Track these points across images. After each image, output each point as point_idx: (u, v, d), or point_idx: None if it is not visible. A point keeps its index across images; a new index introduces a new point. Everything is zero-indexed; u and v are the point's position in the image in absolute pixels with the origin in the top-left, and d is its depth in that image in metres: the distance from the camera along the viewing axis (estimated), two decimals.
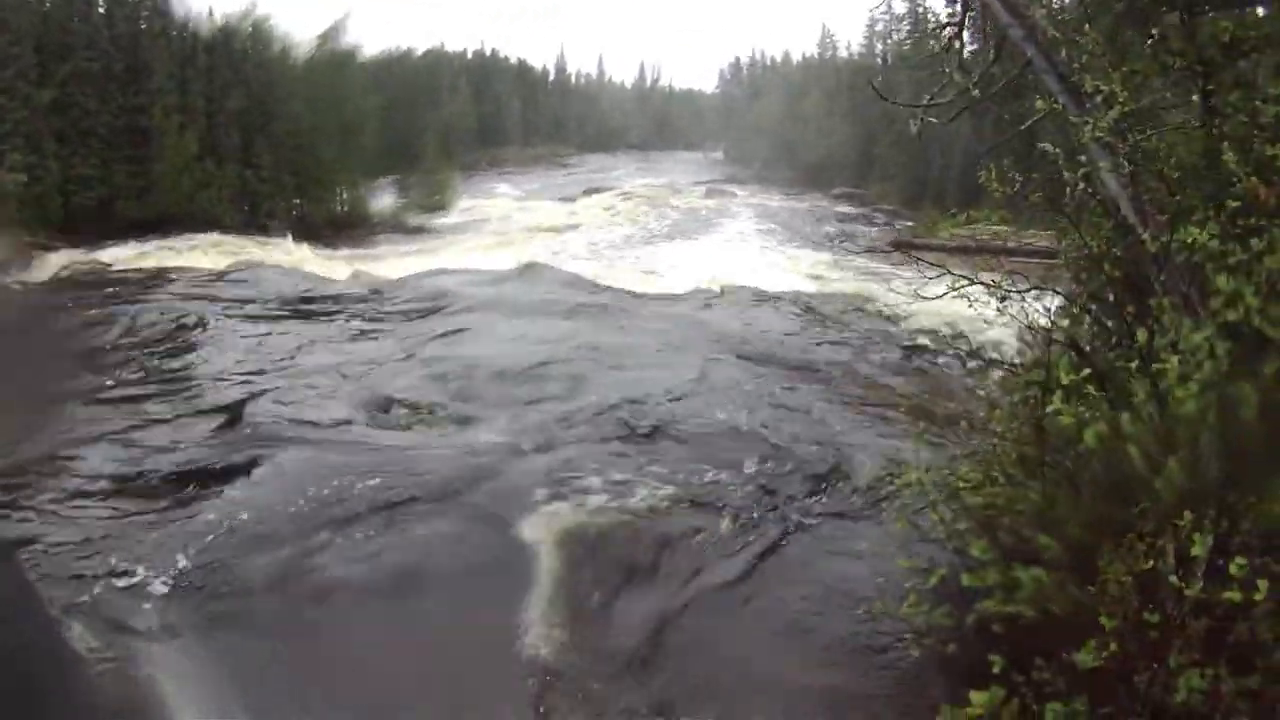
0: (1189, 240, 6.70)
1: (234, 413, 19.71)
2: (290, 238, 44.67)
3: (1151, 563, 6.65)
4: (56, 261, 36.64)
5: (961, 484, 9.75)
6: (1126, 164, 7.46)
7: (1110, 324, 9.38)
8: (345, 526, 14.63)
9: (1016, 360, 12.12)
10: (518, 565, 13.81)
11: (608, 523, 14.87)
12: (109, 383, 22.11)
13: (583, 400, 20.55)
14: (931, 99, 9.96)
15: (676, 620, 12.58)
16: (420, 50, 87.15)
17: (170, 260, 38.37)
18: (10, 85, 39.43)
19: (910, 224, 49.21)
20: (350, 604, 12.93)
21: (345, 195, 53.03)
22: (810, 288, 35.88)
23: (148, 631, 11.66)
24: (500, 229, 53.78)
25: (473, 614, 12.83)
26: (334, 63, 55.48)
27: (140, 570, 12.99)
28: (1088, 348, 9.24)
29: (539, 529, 14.66)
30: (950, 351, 23.43)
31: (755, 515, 15.24)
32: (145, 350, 25.29)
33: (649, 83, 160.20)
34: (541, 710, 11.10)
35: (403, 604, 13.06)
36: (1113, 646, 6.59)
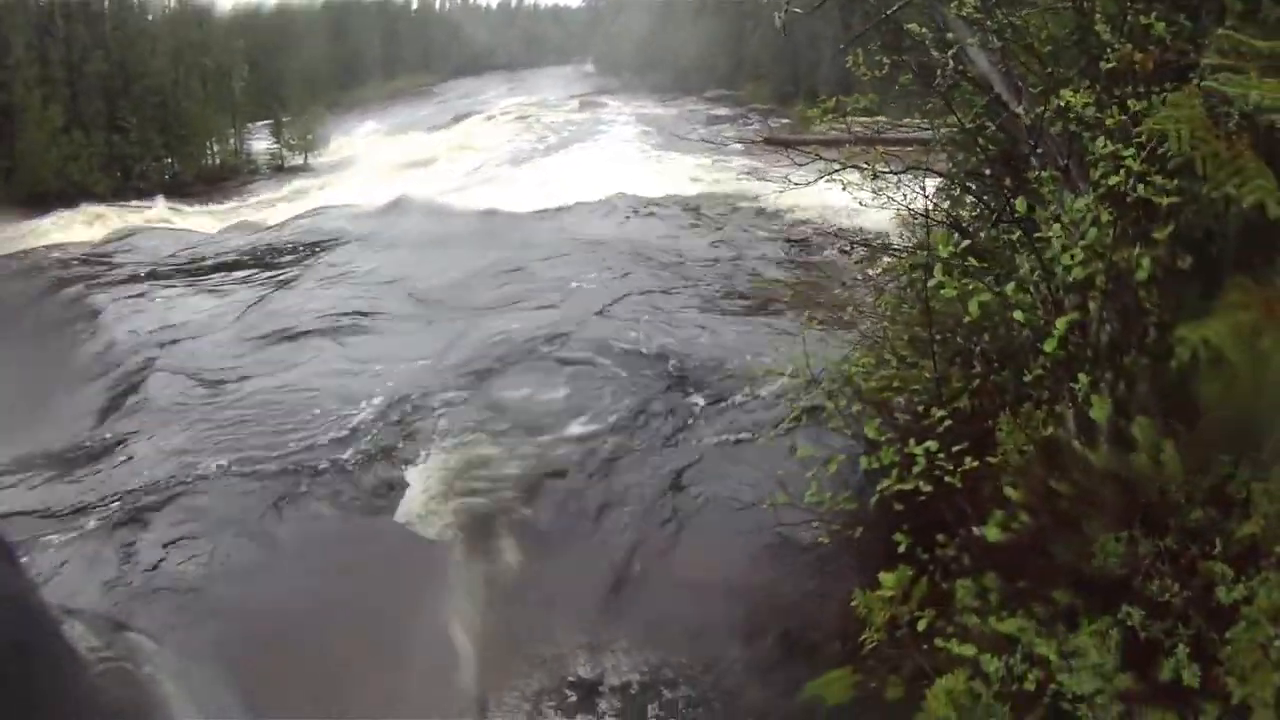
0: (1065, 105, 6.75)
1: (132, 379, 19.46)
2: (164, 198, 44.12)
3: (1051, 429, 6.75)
4: None
5: (855, 369, 9.84)
6: (995, 40, 7.48)
7: (990, 201, 9.47)
8: (247, 476, 14.51)
9: (899, 244, 12.22)
10: (422, 495, 13.81)
11: (505, 442, 14.87)
12: None
13: (470, 326, 20.52)
14: None
15: (583, 531, 12.71)
16: None
17: (46, 238, 37.29)
18: None
19: (786, 121, 49.21)
20: (261, 554, 12.79)
21: (215, 147, 52.04)
22: (691, 190, 35.90)
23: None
24: (369, 165, 53.02)
25: (382, 548, 12.87)
26: (195, 13, 54.28)
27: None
28: (969, 227, 9.33)
29: (441, 456, 14.69)
30: (835, 241, 23.67)
31: (650, 422, 15.35)
32: (28, 333, 24.79)
33: (514, 2, 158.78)
34: (452, 609, 11.35)
35: (310, 547, 12.96)
36: (1023, 518, 6.70)
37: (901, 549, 7.04)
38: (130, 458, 15.65)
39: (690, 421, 15.29)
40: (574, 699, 9.96)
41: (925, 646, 6.57)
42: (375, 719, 10.04)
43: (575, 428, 15.31)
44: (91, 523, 13.39)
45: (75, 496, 14.50)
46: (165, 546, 12.78)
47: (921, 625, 6.57)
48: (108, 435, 16.78)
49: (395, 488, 14.13)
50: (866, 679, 7.00)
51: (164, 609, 11.43)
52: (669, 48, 78.49)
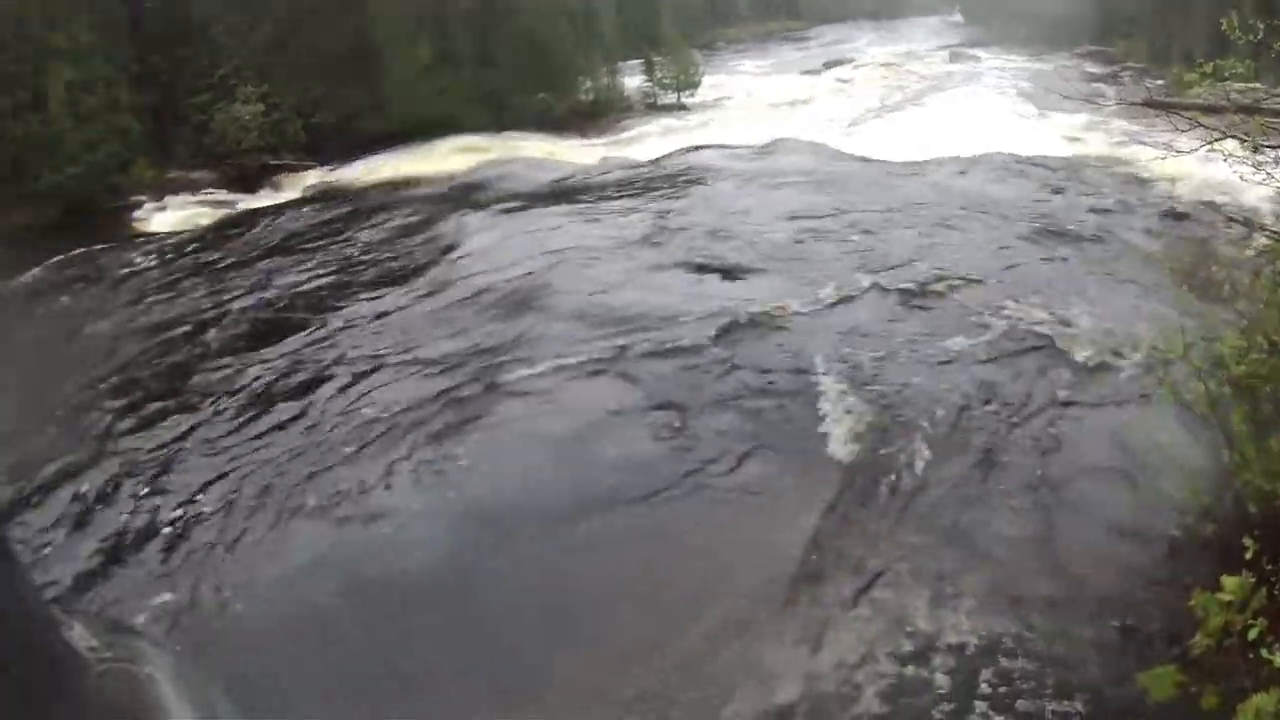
0: None
1: (514, 293, 21.15)
2: (538, 131, 45.20)
3: None
4: (303, 180, 38.19)
5: (1227, 350, 9.53)
6: None
7: None
8: (629, 384, 16.52)
9: (1276, 225, 11.70)
10: (797, 427, 14.84)
11: (873, 391, 15.62)
12: (380, 281, 23.81)
13: (843, 266, 21.38)
14: None
15: (944, 483, 13.12)
16: None
17: (416, 167, 39.29)
18: (229, 25, 40.30)
19: (1160, 82, 46.84)
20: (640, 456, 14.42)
21: (589, 84, 52.60)
22: (1064, 151, 34.87)
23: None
24: (745, 104, 53.71)
25: (755, 472, 13.85)
26: None
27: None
28: None
29: (817, 393, 15.66)
30: (1213, 215, 22.66)
31: (1018, 384, 15.69)
32: (406, 249, 26.92)
33: None
34: (818, 535, 12.11)
35: (687, 457, 14.22)
36: None
37: (1248, 555, 6.77)
38: (519, 356, 17.73)
39: (1055, 387, 15.53)
40: (909, 649, 10.16)
41: (1252, 657, 6.33)
42: (716, 637, 10.67)
43: (937, 370, 16.13)
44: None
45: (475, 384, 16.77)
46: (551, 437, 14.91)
47: (1252, 634, 6.33)
48: (498, 338, 18.77)
49: (781, 405, 15.51)
50: (1190, 681, 6.80)
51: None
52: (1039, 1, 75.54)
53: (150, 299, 24.72)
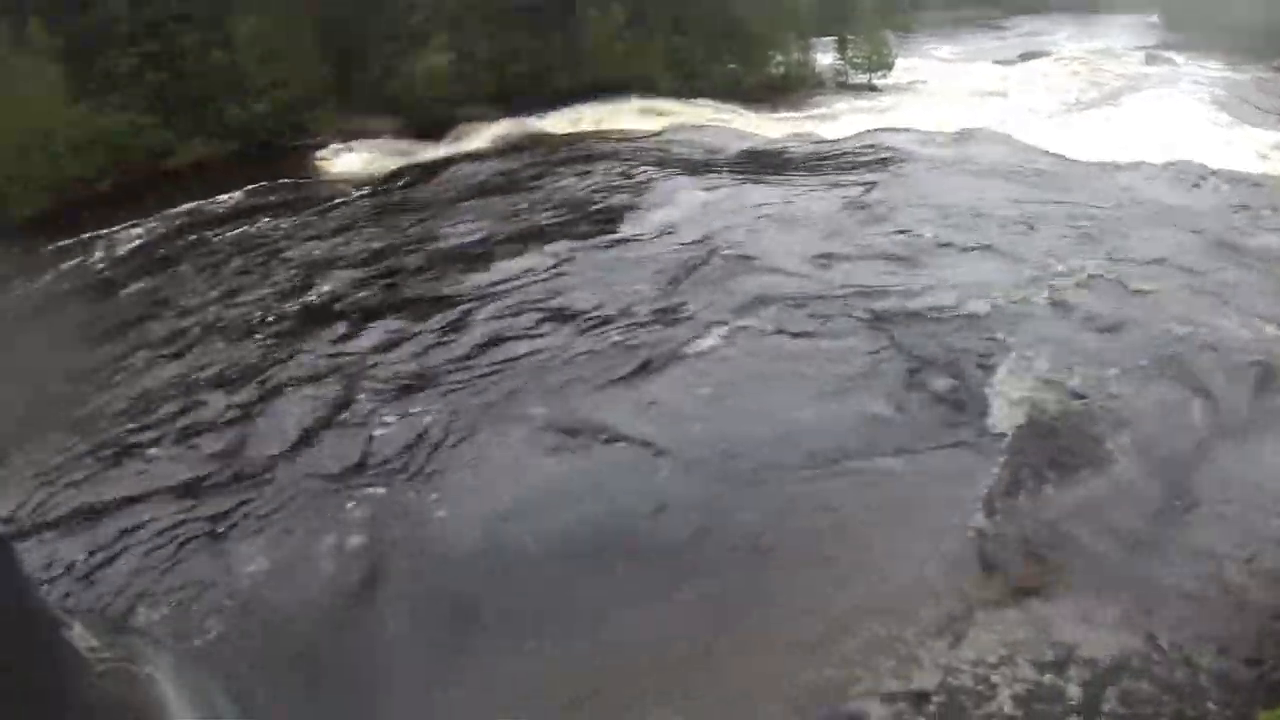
0: None
1: (728, 250, 22.11)
2: (726, 100, 45.25)
3: None
4: (493, 130, 38.47)
5: None
6: None
7: None
8: (853, 345, 17.29)
9: None
10: (1002, 409, 15.35)
11: (1084, 384, 16.10)
12: (588, 228, 25.00)
13: (1053, 258, 21.80)
14: None
15: (1120, 499, 13.39)
16: None
17: (606, 124, 39.97)
18: None
19: None
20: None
21: (780, 58, 52.33)
22: (1255, 167, 33.77)
23: None
24: (938, 89, 52.90)
25: (950, 450, 14.49)
26: None
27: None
28: None
29: (1032, 379, 16.21)
30: None
31: (1212, 397, 15.92)
32: (610, 200, 27.86)
33: None
34: (972, 555, 12.34)
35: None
36: None
37: None
38: (742, 307, 18.75)
39: (1240, 410, 15.65)
40: (1048, 658, 10.53)
41: None
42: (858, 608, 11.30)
43: (1153, 388, 16.24)
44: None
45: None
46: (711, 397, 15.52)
47: None
48: (718, 289, 19.68)
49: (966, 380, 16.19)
50: None
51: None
52: (1238, 9, 73.05)
53: (347, 228, 26.21)
